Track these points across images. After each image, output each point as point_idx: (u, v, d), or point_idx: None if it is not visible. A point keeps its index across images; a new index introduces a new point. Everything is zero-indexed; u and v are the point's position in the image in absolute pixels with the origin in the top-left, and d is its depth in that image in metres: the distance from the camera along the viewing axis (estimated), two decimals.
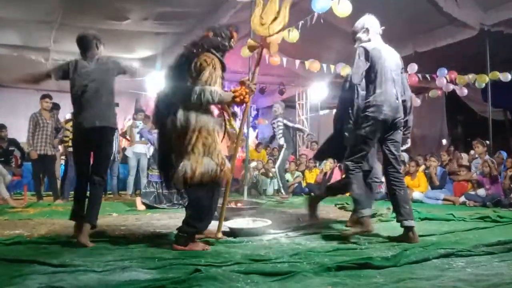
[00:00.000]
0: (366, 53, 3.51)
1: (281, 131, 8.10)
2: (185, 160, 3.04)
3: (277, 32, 3.60)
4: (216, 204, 3.28)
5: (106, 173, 3.80)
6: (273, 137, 8.57)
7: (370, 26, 3.72)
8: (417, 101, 10.65)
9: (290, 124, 8.29)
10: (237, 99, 3.21)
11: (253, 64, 6.00)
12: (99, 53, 3.62)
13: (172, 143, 3.14)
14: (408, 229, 3.39)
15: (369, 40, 3.68)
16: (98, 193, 3.54)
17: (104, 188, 7.87)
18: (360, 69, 3.50)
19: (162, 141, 3.33)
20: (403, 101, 3.63)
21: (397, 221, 3.49)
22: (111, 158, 7.52)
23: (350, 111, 3.75)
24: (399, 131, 3.60)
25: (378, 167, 4.08)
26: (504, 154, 7.71)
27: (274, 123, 8.36)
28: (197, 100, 2.99)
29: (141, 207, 5.81)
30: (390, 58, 3.60)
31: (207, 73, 3.02)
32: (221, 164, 3.10)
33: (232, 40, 3.29)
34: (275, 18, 3.55)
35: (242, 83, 3.38)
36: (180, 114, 3.06)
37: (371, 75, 3.52)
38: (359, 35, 3.75)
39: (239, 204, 5.07)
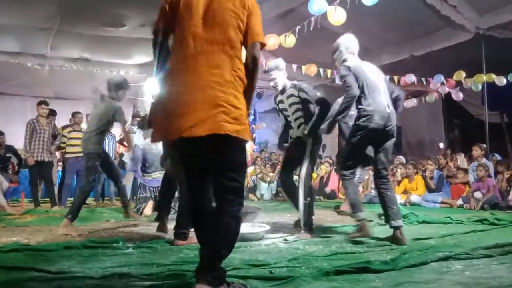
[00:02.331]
0: (350, 69, 3.67)
1: None
2: None
3: None
4: None
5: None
6: None
7: (346, 47, 3.84)
8: (413, 101, 10.68)
9: None
10: None
11: None
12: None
13: None
14: (396, 228, 3.54)
15: (345, 60, 3.80)
16: None
17: (102, 193, 7.94)
18: (353, 83, 3.63)
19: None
20: (396, 96, 3.84)
21: (385, 221, 3.73)
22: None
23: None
24: (391, 139, 3.73)
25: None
26: (497, 157, 7.76)
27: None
28: None
29: (148, 211, 5.81)
30: (372, 71, 3.78)
31: None
32: None
33: None
34: None
35: None
36: None
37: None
38: (335, 55, 3.89)
39: None
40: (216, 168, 2.05)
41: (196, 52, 2.04)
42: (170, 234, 3.70)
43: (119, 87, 4.48)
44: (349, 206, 4.11)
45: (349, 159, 3.77)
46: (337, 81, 9.22)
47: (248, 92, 2.12)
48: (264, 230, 3.85)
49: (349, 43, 3.87)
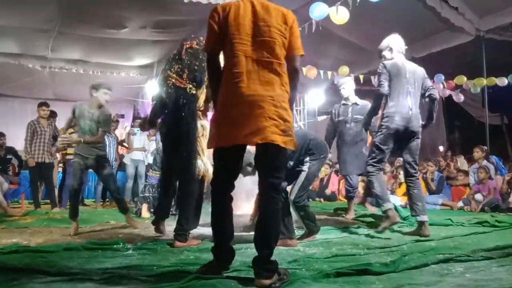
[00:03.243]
0: (385, 67, 3.99)
1: None
2: (199, 160, 3.62)
3: None
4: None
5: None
6: None
7: (393, 46, 4.17)
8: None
9: None
10: None
11: None
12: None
13: (184, 147, 3.59)
14: (421, 223, 3.94)
15: (392, 58, 4.12)
16: None
17: (103, 195, 7.93)
18: (385, 82, 3.95)
19: (172, 146, 3.73)
20: (430, 94, 4.16)
21: (412, 216, 4.14)
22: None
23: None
24: (415, 139, 4.08)
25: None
26: (495, 158, 7.75)
27: None
28: (206, 102, 3.64)
29: (145, 214, 5.81)
30: (408, 73, 4.03)
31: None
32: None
33: None
34: None
35: None
36: (188, 122, 3.55)
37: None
38: (383, 53, 4.21)
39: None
40: (265, 171, 2.36)
41: (248, 70, 2.29)
42: (171, 236, 3.69)
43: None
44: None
45: (373, 156, 4.06)
46: (335, 82, 9.24)
47: (290, 102, 2.38)
48: None
49: (397, 42, 4.18)
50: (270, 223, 2.30)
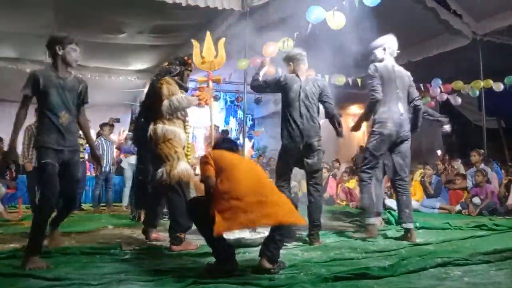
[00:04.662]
0: (377, 71, 3.97)
1: None
2: (162, 167, 3.59)
3: (219, 67, 4.48)
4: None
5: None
6: None
7: (388, 47, 4.12)
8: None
9: None
10: (202, 102, 3.86)
11: (247, 75, 7.32)
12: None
13: (151, 153, 3.76)
14: (407, 231, 3.92)
15: (382, 59, 4.08)
16: None
17: (98, 200, 7.89)
18: (378, 87, 3.92)
19: (141, 153, 3.94)
20: (416, 105, 4.13)
21: (398, 223, 4.08)
22: (107, 169, 7.60)
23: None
24: (405, 143, 4.02)
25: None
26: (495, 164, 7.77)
27: None
28: (168, 110, 3.61)
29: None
30: (398, 77, 4.02)
31: (165, 89, 3.64)
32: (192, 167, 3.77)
33: (188, 65, 3.95)
34: (216, 55, 4.45)
35: (202, 88, 4.10)
36: (150, 128, 3.67)
37: None
38: (375, 51, 4.16)
39: None
40: None
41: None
42: (167, 239, 3.69)
43: None
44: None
45: (366, 162, 4.03)
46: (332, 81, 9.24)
47: None
48: (262, 236, 3.83)
49: (392, 44, 4.14)
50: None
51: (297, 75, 3.89)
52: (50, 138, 3.04)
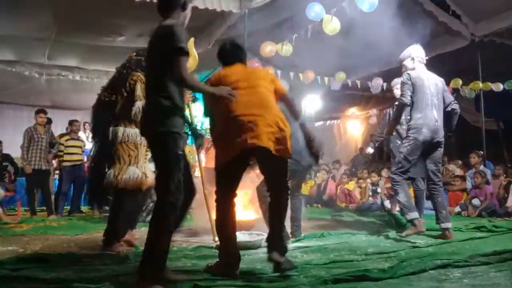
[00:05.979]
0: (410, 79, 4.12)
1: None
2: (112, 168, 3.54)
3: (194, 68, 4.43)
4: (139, 209, 3.89)
5: None
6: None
7: (416, 56, 4.31)
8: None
9: None
10: None
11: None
12: None
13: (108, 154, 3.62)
14: (445, 230, 4.08)
15: (413, 68, 4.25)
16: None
17: (99, 203, 7.86)
18: (408, 92, 4.09)
19: (97, 153, 3.73)
20: (453, 109, 4.29)
21: (436, 223, 4.19)
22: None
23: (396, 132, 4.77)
24: (439, 149, 4.22)
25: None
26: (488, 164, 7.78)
27: None
28: (139, 113, 3.39)
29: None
30: (431, 84, 4.17)
31: (139, 88, 3.46)
32: (145, 173, 3.59)
33: None
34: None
35: None
36: (111, 129, 3.57)
37: (413, 101, 4.11)
38: (405, 62, 4.35)
39: None
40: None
41: None
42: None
43: None
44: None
45: (400, 166, 4.16)
46: (333, 88, 9.30)
47: None
48: (261, 238, 3.83)
49: (419, 52, 4.34)
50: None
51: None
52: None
